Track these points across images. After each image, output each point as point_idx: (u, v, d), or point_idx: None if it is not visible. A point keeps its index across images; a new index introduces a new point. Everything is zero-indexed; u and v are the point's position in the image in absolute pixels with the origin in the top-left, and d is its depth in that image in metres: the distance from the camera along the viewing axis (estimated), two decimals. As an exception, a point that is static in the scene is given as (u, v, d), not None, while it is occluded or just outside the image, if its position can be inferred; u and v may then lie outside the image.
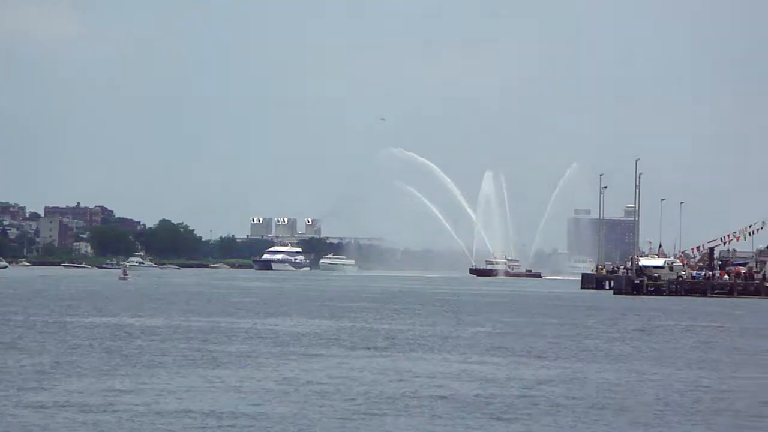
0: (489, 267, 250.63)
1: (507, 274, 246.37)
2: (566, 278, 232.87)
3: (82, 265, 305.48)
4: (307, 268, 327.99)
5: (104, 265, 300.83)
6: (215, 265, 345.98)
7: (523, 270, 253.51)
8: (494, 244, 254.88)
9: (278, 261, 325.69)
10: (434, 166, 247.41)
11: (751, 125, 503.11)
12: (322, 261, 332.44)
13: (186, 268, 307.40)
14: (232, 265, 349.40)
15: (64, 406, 30.15)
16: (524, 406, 32.05)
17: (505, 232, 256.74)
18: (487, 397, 33.63)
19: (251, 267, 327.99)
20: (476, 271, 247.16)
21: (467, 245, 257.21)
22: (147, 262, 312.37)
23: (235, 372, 38.98)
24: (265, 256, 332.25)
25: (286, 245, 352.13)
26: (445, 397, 33.43)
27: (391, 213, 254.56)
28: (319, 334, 57.97)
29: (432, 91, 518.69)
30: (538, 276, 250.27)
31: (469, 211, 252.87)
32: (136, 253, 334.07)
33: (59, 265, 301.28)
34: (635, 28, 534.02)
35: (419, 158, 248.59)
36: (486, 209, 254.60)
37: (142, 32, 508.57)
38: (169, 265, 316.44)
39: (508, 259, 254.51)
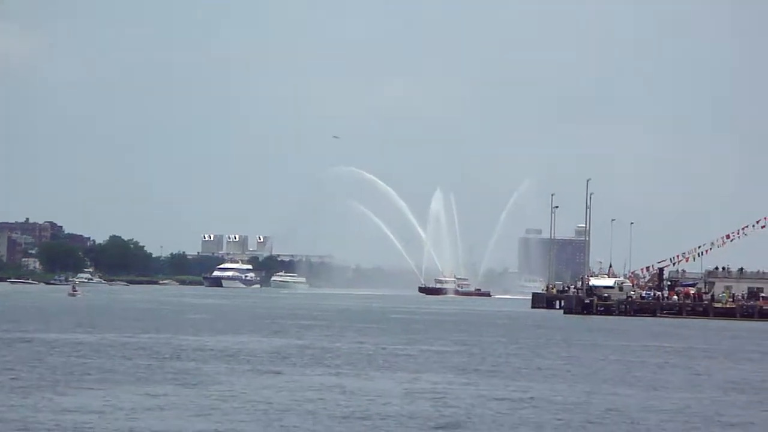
0: (438, 286, 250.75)
1: (456, 292, 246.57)
2: (515, 297, 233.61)
3: (29, 281, 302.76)
4: (258, 286, 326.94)
5: (52, 281, 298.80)
6: (164, 281, 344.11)
7: (472, 289, 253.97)
8: (443, 262, 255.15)
9: (228, 278, 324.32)
10: (383, 184, 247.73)
11: (701, 147, 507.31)
12: (273, 279, 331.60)
13: (134, 285, 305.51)
14: (183, 282, 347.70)
15: (7, 423, 29.78)
16: (473, 425, 31.99)
17: (455, 250, 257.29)
18: (437, 416, 33.52)
19: (201, 284, 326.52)
20: (425, 290, 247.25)
21: (418, 264, 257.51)
22: (96, 279, 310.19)
23: (182, 389, 38.66)
24: (216, 273, 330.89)
25: (237, 262, 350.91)
26: (391, 416, 33.32)
27: (342, 231, 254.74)
28: (267, 351, 57.70)
29: (382, 111, 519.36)
30: (488, 295, 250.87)
31: (419, 229, 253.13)
32: (85, 270, 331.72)
33: (5, 281, 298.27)
34: (587, 48, 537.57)
35: (368, 176, 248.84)
36: (436, 228, 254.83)
37: (94, 51, 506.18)
38: (117, 282, 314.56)
39: (457, 278, 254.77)
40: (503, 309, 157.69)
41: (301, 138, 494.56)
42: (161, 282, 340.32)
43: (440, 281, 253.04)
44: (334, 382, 42.40)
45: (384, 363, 52.42)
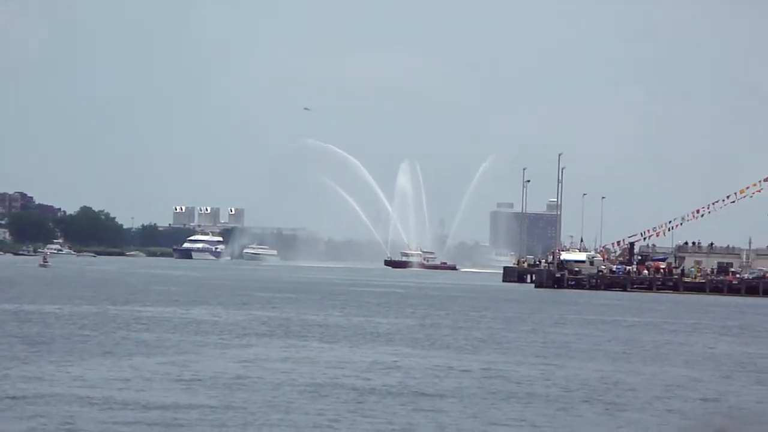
0: (404, 259, 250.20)
1: (422, 266, 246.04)
2: (482, 271, 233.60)
3: None
4: (228, 258, 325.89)
5: (20, 252, 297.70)
6: (131, 253, 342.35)
7: (438, 262, 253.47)
8: (410, 235, 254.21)
9: (198, 250, 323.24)
10: (351, 157, 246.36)
11: (672, 121, 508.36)
12: (245, 251, 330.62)
13: (102, 256, 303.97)
14: (153, 254, 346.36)
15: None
16: (438, 393, 31.83)
17: (422, 223, 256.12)
18: (397, 386, 33.32)
19: (172, 256, 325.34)
20: (391, 263, 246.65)
21: (385, 237, 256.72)
22: (66, 250, 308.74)
23: (146, 361, 38.39)
24: (186, 245, 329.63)
25: (207, 234, 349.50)
26: (356, 388, 33.14)
27: (310, 204, 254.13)
28: (221, 323, 57.48)
29: (352, 83, 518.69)
30: (453, 268, 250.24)
31: (386, 202, 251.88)
32: (55, 241, 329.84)
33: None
34: (557, 24, 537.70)
35: (335, 149, 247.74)
36: (402, 201, 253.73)
37: (64, 21, 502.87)
38: (85, 253, 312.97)
39: (423, 251, 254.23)
40: (474, 282, 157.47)
41: (273, 110, 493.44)
42: (128, 253, 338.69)
43: (406, 254, 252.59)
44: (299, 354, 42.19)
45: (344, 336, 52.23)
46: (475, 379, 36.34)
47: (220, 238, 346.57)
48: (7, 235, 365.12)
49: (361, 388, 33.05)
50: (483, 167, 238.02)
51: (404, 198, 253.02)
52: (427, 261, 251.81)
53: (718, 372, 42.21)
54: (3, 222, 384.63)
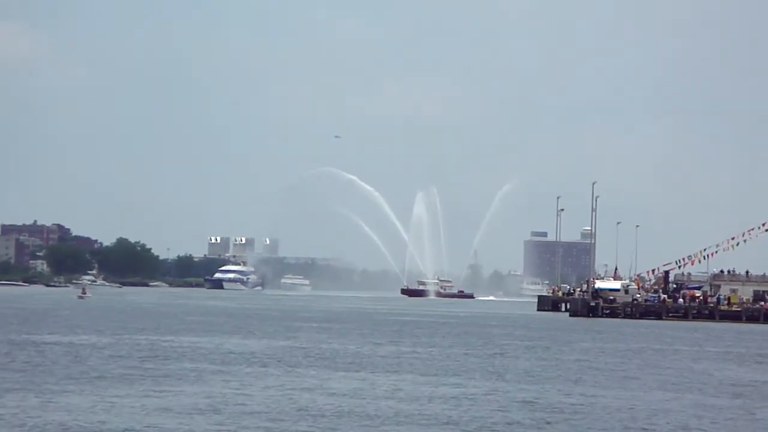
0: (420, 287, 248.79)
1: (438, 294, 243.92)
2: (503, 300, 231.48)
3: (18, 283, 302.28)
4: (260, 288, 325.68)
5: (51, 284, 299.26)
6: (154, 283, 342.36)
7: (455, 291, 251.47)
8: (426, 264, 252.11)
9: (230, 280, 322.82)
10: (370, 188, 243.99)
11: (706, 149, 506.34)
12: (282, 281, 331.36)
13: (126, 287, 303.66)
14: (189, 284, 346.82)
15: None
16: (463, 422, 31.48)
17: (438, 252, 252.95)
18: (414, 414, 32.99)
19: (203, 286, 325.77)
20: (407, 291, 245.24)
21: (404, 266, 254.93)
22: (99, 281, 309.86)
23: (166, 389, 38.19)
24: (217, 275, 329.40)
25: (239, 264, 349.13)
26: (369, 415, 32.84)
27: (332, 233, 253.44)
28: (234, 352, 57.29)
29: (377, 112, 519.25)
30: (471, 297, 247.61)
31: (402, 231, 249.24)
32: (89, 272, 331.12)
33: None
34: (590, 50, 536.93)
35: (356, 179, 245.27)
36: (418, 229, 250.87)
37: (98, 52, 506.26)
38: (113, 283, 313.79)
39: (440, 280, 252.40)
40: (505, 311, 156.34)
41: (298, 139, 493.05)
42: (151, 284, 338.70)
43: (422, 283, 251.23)
44: (336, 384, 41.92)
45: (369, 364, 51.95)
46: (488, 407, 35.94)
47: (252, 268, 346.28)
48: (44, 266, 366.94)
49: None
50: (501, 193, 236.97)
51: (420, 227, 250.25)
52: (444, 289, 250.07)
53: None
54: (41, 254, 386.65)
